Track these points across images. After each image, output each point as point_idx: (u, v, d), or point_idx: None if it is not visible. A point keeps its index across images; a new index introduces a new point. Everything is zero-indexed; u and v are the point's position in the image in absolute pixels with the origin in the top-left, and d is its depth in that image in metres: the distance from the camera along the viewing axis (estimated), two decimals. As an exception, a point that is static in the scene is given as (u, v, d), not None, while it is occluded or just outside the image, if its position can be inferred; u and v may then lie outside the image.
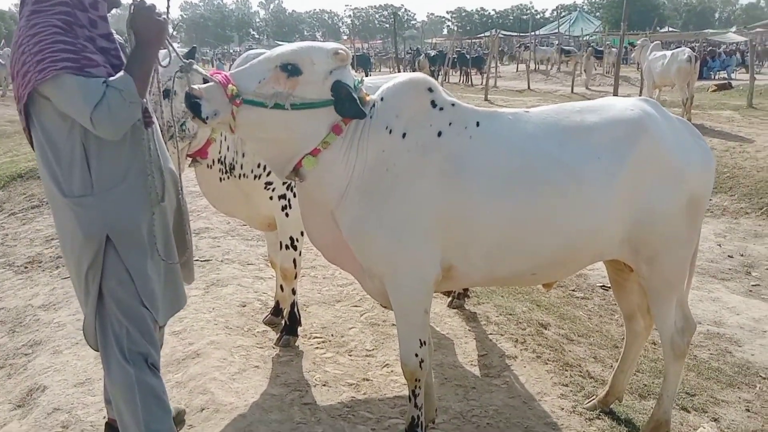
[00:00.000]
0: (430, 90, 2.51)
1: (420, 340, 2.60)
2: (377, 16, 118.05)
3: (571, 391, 3.39)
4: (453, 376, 3.47)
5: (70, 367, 3.50)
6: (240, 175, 3.44)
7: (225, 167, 3.42)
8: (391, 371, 3.51)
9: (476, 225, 2.47)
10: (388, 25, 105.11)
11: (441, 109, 2.50)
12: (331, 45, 2.43)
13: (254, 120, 2.33)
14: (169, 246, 2.50)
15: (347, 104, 2.31)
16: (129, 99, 2.16)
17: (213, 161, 3.39)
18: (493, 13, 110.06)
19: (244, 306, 4.24)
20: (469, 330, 4.05)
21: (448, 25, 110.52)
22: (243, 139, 2.97)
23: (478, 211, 2.45)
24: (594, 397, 3.28)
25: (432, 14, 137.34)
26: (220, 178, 3.46)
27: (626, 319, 3.12)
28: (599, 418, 3.14)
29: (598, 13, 79.70)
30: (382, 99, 2.48)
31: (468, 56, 29.52)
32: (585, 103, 2.71)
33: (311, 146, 2.40)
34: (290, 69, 2.31)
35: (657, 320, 2.83)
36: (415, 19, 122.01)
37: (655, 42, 14.30)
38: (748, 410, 3.64)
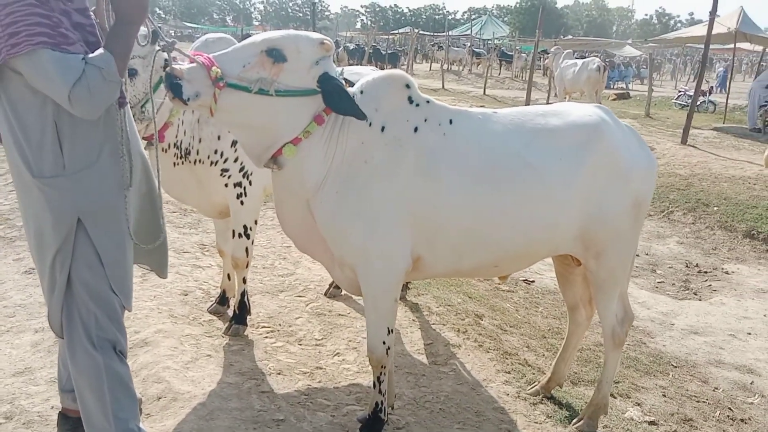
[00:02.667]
0: (408, 86, 2.59)
1: (388, 328, 2.68)
2: (291, 4, 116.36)
3: (514, 377, 3.59)
4: (403, 364, 3.57)
5: (5, 356, 3.31)
6: (195, 160, 3.38)
7: (180, 152, 3.34)
8: (343, 360, 3.57)
9: (446, 218, 2.57)
10: (301, 14, 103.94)
11: (417, 105, 2.59)
12: (317, 35, 2.45)
13: (236, 104, 2.32)
14: (138, 230, 2.44)
15: (344, 103, 2.34)
16: (109, 78, 2.08)
17: (168, 145, 3.31)
18: (406, 10, 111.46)
19: (186, 295, 4.15)
20: (413, 320, 4.18)
21: (362, 20, 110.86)
22: (222, 124, 2.92)
23: (448, 204, 2.55)
24: (536, 383, 3.49)
25: (346, 7, 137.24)
26: (174, 163, 3.37)
27: (569, 309, 3.34)
28: (542, 403, 3.35)
29: (506, 18, 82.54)
30: (361, 92, 2.53)
31: (384, 52, 29.78)
32: (546, 107, 2.88)
33: (292, 135, 2.42)
34: (275, 55, 2.31)
35: (600, 311, 3.05)
36: (329, 11, 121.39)
37: (567, 51, 15.06)
38: (664, 395, 3.99)
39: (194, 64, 2.28)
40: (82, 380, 2.30)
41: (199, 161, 3.38)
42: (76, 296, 2.27)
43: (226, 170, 3.43)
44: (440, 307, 4.47)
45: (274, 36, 2.38)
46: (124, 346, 2.39)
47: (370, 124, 2.50)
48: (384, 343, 2.69)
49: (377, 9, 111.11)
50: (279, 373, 3.30)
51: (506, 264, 2.80)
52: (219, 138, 3.36)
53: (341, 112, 2.37)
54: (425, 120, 2.57)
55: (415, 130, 2.55)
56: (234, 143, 3.40)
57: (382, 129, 2.51)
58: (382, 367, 2.75)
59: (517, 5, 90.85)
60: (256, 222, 3.64)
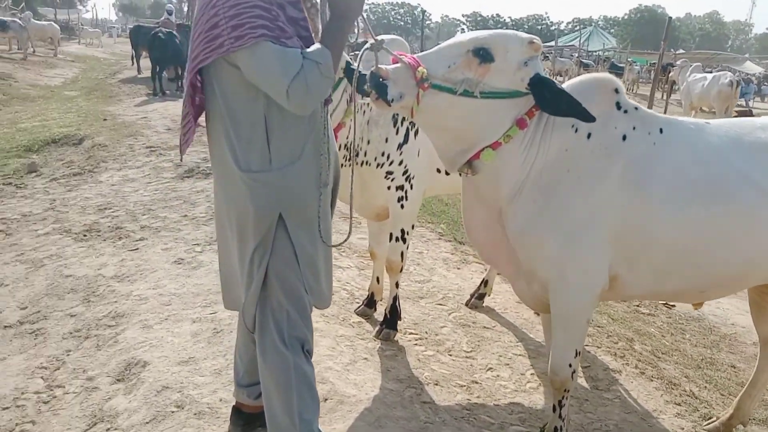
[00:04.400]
0: (616, 91, 2.42)
1: (576, 350, 2.51)
2: (393, 12, 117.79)
3: (686, 410, 3.31)
4: (562, 386, 3.38)
5: (167, 343, 3.37)
6: (362, 162, 3.34)
7: (349, 153, 3.31)
8: (497, 375, 3.42)
9: (652, 236, 2.37)
10: (403, 23, 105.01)
11: (625, 111, 2.41)
12: (525, 34, 2.32)
13: (439, 106, 2.23)
14: (327, 229, 2.40)
15: (567, 105, 2.19)
16: (326, 73, 2.04)
17: (339, 146, 3.28)
18: (508, 20, 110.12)
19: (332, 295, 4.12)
20: (565, 339, 3.96)
21: (462, 29, 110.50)
22: (420, 126, 2.86)
23: (657, 221, 2.35)
24: (713, 419, 3.20)
25: (446, 16, 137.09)
26: (342, 164, 3.34)
27: (762, 342, 3.03)
28: (723, 442, 3.06)
29: (612, 30, 79.90)
30: (567, 96, 2.37)
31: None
32: (763, 120, 2.62)
33: (493, 138, 2.30)
34: (483, 55, 2.21)
35: (804, 349, 2.74)
36: (430, 20, 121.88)
37: (696, 64, 14.25)
38: None
39: (399, 65, 2.21)
40: (270, 378, 2.27)
41: (366, 163, 3.34)
42: (270, 292, 2.25)
43: (391, 173, 3.37)
44: (590, 327, 4.23)
45: (481, 35, 2.28)
46: (311, 345, 2.35)
47: (576, 130, 2.34)
48: (570, 365, 2.51)
49: (478, 18, 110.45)
50: (436, 384, 3.19)
51: (714, 290, 2.56)
52: (386, 140, 3.31)
53: (562, 114, 2.23)
54: (634, 128, 2.39)
55: (624, 138, 2.37)
56: (400, 146, 3.34)
57: (588, 136, 2.35)
58: (565, 390, 2.57)
59: (626, 17, 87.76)
60: (413, 227, 3.56)
